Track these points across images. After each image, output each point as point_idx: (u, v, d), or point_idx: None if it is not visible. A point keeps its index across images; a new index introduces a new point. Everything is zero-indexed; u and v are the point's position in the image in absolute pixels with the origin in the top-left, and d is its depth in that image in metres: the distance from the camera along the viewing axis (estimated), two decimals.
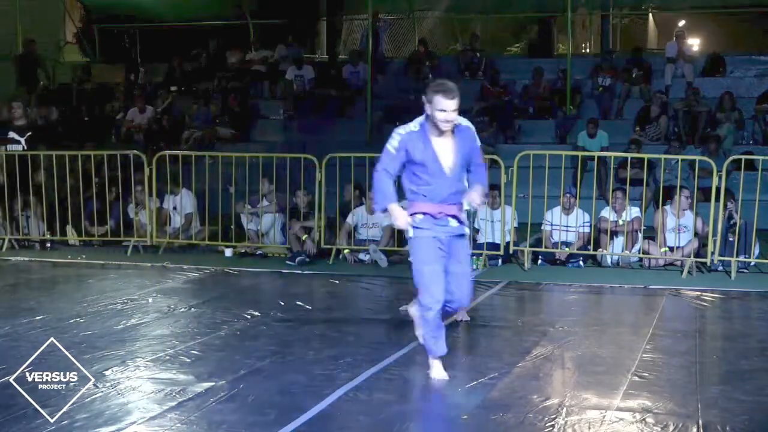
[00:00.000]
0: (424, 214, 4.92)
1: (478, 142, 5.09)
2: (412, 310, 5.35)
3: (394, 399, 4.70)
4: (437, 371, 5.09)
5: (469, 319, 6.62)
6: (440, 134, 4.87)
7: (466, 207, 5.10)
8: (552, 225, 9.66)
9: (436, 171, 4.87)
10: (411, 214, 4.94)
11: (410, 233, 4.95)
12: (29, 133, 10.87)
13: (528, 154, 9.83)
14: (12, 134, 10.84)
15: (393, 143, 4.88)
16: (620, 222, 9.42)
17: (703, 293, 7.96)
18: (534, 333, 6.34)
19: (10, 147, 10.75)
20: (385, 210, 4.96)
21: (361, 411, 4.55)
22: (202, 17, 17.97)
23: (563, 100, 14.18)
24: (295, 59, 15.84)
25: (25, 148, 10.75)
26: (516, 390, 4.89)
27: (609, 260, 9.43)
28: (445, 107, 4.76)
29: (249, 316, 6.82)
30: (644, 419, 4.41)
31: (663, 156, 10.48)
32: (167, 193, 10.66)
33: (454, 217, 4.96)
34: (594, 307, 7.87)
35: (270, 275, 9.07)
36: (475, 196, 4.98)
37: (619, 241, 9.46)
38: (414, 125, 4.91)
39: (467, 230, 5.13)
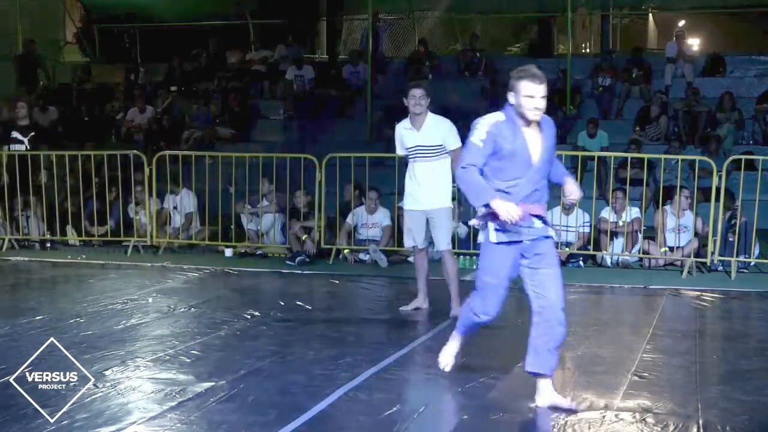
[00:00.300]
0: None
1: None
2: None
3: (394, 399, 4.69)
4: (446, 355, 5.11)
5: None
6: (527, 125, 4.49)
7: (569, 201, 4.79)
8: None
9: (524, 164, 4.47)
10: (489, 216, 4.50)
11: (492, 237, 4.54)
12: (32, 134, 10.86)
13: None
14: (15, 134, 10.84)
15: (479, 135, 4.41)
16: (620, 222, 9.41)
17: (703, 293, 7.95)
18: None
19: (12, 147, 10.75)
20: (486, 206, 4.42)
21: (361, 411, 4.55)
22: (202, 17, 17.96)
23: (563, 100, 14.15)
24: (295, 59, 15.82)
25: (28, 148, 10.75)
26: (516, 390, 4.89)
27: (609, 260, 9.43)
28: (533, 93, 4.39)
29: (249, 316, 6.82)
30: (644, 419, 4.41)
31: (663, 156, 10.49)
32: (167, 192, 10.67)
33: (539, 217, 4.56)
34: (594, 307, 7.87)
35: (270, 275, 9.07)
36: (573, 188, 4.76)
37: (619, 241, 9.45)
38: (498, 115, 4.48)
39: (552, 231, 4.70)
